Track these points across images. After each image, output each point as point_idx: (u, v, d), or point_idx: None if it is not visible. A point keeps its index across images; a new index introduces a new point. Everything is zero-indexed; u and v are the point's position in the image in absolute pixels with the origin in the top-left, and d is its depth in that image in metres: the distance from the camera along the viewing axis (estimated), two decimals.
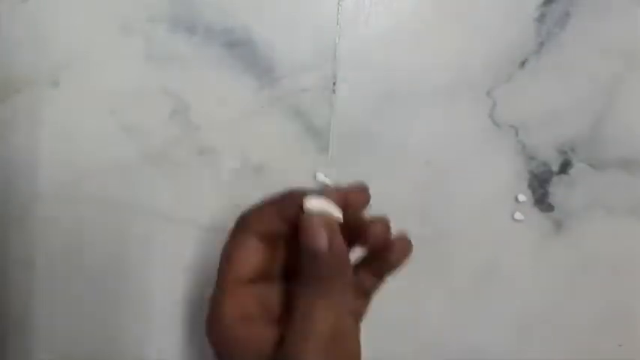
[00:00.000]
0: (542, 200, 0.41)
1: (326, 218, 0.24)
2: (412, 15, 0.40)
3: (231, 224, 0.28)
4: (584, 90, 0.41)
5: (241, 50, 0.38)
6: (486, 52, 0.40)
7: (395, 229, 0.28)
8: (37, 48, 0.36)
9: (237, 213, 0.28)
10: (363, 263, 0.28)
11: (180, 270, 0.38)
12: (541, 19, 0.40)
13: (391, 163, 0.40)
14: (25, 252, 0.37)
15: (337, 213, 0.25)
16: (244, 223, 0.27)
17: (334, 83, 0.39)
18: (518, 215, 0.41)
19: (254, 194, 0.38)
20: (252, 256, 0.27)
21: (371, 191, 0.28)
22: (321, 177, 0.39)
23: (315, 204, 0.24)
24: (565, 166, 0.41)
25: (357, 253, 0.28)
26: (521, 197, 0.41)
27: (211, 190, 0.38)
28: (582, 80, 0.41)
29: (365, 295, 0.29)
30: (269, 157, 0.38)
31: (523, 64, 0.40)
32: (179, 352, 0.38)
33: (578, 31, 0.41)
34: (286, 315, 0.27)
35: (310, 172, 0.39)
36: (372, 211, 0.28)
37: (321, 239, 0.24)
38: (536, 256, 0.41)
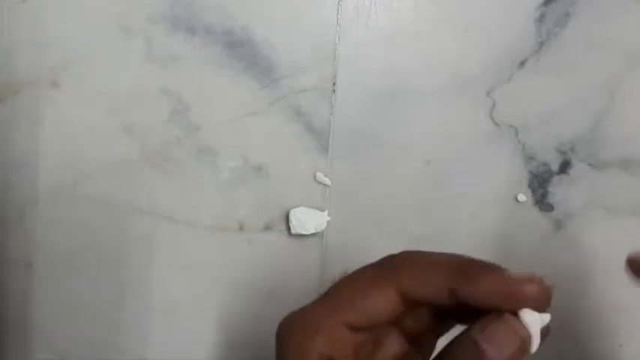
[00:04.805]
0: (542, 200, 0.41)
1: (525, 342, 0.20)
2: (412, 15, 0.40)
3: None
4: (584, 90, 0.41)
5: (241, 50, 0.38)
6: (486, 52, 0.40)
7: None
8: (37, 48, 0.36)
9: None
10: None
11: (180, 270, 0.38)
12: (541, 19, 0.40)
13: (391, 163, 0.40)
14: (25, 252, 0.37)
15: (537, 340, 0.21)
16: (393, 269, 0.21)
17: (334, 83, 0.39)
18: (521, 197, 0.41)
19: (254, 194, 0.38)
20: (381, 310, 0.21)
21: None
22: (321, 177, 0.39)
23: (532, 321, 0.20)
24: (565, 166, 0.41)
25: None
26: (521, 197, 0.41)
27: (211, 190, 0.38)
28: (582, 80, 0.41)
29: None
30: (269, 157, 0.38)
31: (523, 64, 0.40)
32: (179, 351, 0.38)
33: (578, 31, 0.41)
34: None
35: (310, 172, 0.39)
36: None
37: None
38: (536, 256, 0.41)
